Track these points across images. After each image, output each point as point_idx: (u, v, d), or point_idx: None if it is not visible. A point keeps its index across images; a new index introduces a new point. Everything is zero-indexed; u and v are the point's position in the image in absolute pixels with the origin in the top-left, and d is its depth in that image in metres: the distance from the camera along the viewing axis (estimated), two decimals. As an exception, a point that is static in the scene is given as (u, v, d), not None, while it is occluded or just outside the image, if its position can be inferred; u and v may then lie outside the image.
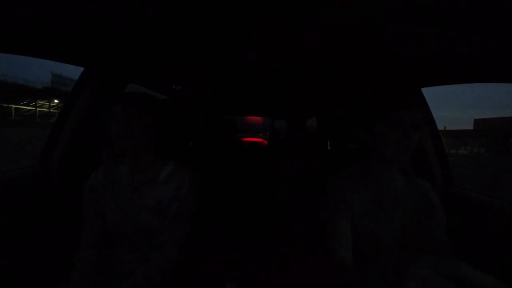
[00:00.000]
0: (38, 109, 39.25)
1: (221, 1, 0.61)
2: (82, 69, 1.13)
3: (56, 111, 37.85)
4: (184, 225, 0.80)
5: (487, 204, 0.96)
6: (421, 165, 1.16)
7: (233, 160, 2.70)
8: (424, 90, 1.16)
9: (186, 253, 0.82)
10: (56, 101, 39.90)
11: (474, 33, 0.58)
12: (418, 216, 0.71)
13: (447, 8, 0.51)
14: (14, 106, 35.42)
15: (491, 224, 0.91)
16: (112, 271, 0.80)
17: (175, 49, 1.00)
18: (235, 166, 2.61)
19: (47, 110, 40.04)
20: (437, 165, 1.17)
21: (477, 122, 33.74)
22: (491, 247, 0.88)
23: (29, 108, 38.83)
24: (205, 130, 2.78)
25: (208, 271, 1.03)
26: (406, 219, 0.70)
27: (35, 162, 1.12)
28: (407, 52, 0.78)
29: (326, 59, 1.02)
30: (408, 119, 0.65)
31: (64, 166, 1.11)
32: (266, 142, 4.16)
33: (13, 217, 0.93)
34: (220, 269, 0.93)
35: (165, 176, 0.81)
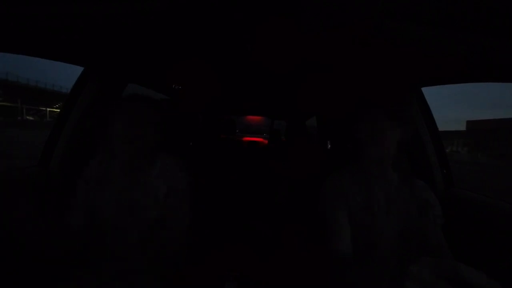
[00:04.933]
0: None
1: (221, 2, 0.61)
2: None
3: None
4: (184, 211, 0.81)
5: (487, 204, 0.96)
6: (421, 165, 1.16)
7: (233, 159, 2.69)
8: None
9: (190, 239, 0.83)
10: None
11: (473, 33, 0.58)
12: (414, 213, 0.73)
13: (447, 8, 0.52)
14: (49, 109, 40.04)
15: (491, 224, 0.91)
16: (108, 268, 0.80)
17: (175, 49, 1.00)
18: (235, 165, 2.60)
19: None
20: (437, 165, 1.17)
21: (469, 123, 33.40)
22: (491, 247, 0.88)
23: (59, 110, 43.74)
24: (205, 130, 2.78)
25: (208, 271, 1.03)
26: (402, 215, 0.72)
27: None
28: (407, 52, 0.78)
29: (326, 60, 1.02)
30: (377, 119, 0.68)
31: (64, 166, 1.11)
32: (266, 141, 4.15)
33: (13, 217, 0.93)
34: (220, 269, 0.93)
35: (158, 170, 0.82)
